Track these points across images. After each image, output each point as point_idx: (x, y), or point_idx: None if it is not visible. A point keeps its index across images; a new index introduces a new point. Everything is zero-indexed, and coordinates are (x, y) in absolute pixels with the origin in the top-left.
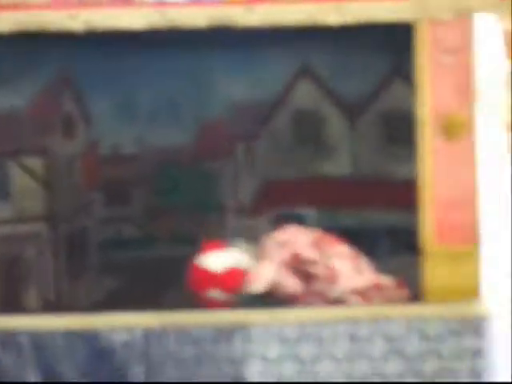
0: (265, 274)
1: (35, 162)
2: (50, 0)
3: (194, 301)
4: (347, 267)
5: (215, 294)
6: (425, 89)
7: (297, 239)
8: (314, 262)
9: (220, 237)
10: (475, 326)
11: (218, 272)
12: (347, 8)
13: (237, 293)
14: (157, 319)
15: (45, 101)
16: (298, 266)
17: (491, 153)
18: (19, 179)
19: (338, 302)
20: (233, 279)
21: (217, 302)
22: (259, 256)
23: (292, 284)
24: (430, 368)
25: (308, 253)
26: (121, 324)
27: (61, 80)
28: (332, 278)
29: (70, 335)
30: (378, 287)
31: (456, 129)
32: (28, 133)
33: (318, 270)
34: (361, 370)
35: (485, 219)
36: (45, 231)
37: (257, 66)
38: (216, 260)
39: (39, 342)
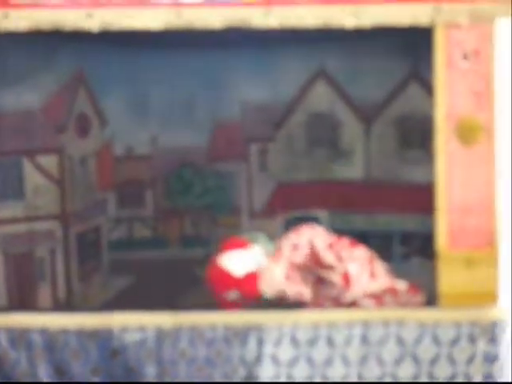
0: (274, 278)
1: (49, 161)
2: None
3: (208, 301)
4: (362, 271)
5: (233, 295)
6: (441, 92)
7: (314, 240)
8: (330, 267)
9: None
10: (490, 332)
11: (239, 275)
12: (364, 11)
13: (255, 297)
14: (170, 319)
15: (59, 99)
16: (313, 269)
17: (509, 156)
18: (33, 177)
19: (351, 305)
20: (252, 283)
21: (234, 304)
22: (274, 257)
23: (301, 291)
24: (442, 372)
25: (326, 256)
26: (133, 323)
27: (76, 79)
28: (346, 284)
29: (82, 334)
30: (392, 291)
31: (473, 133)
32: (42, 131)
33: (332, 275)
34: (373, 373)
35: (503, 224)
36: (58, 230)
37: (272, 68)
38: (237, 261)
39: (51, 340)
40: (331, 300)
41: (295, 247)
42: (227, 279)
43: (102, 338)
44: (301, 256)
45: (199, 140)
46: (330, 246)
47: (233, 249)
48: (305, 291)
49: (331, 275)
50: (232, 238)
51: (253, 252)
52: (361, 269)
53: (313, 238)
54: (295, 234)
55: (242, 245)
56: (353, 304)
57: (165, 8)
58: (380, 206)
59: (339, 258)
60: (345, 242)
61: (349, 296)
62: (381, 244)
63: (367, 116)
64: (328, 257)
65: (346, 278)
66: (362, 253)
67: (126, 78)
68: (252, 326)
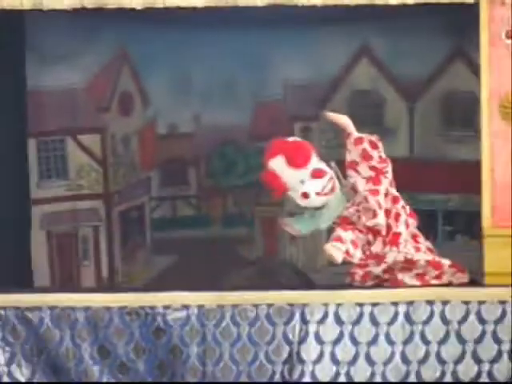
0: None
1: (92, 140)
2: None
3: (250, 280)
4: (409, 238)
5: (278, 163)
6: (486, 70)
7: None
8: (388, 212)
9: (275, 218)
10: None
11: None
12: None
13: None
14: (213, 298)
15: (103, 78)
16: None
17: None
18: (76, 157)
19: (391, 269)
20: (301, 152)
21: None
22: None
23: (351, 253)
24: (487, 352)
25: (387, 203)
26: (176, 302)
27: (119, 58)
28: (393, 242)
29: (126, 313)
30: (436, 266)
31: None
32: (85, 110)
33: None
34: (416, 353)
35: None
36: (101, 209)
37: (315, 47)
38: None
39: (95, 318)
40: (374, 258)
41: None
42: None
43: (146, 317)
44: (388, 181)
45: (242, 119)
46: (396, 199)
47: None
48: (355, 253)
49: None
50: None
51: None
52: (408, 233)
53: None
54: (381, 161)
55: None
56: (396, 282)
57: None
58: (424, 184)
59: (397, 216)
60: (407, 207)
61: (392, 256)
62: (425, 222)
63: (411, 94)
64: (388, 204)
65: (395, 237)
66: (413, 222)
67: (169, 56)
68: (296, 304)
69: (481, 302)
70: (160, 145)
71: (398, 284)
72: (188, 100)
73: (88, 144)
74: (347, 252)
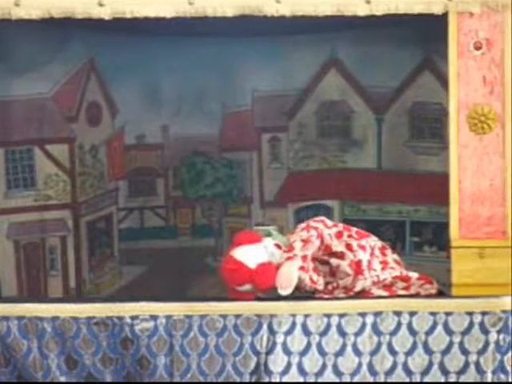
0: (290, 276)
1: (60, 150)
2: None
3: (219, 290)
4: (373, 260)
5: (247, 288)
6: (454, 82)
7: (324, 231)
8: (341, 255)
9: (244, 229)
10: (503, 322)
11: (252, 267)
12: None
13: (269, 289)
14: (181, 308)
15: (70, 88)
16: (324, 259)
17: None
18: (44, 167)
19: (361, 294)
20: (266, 276)
21: (246, 295)
22: (286, 251)
23: (314, 279)
24: (454, 363)
25: (336, 245)
26: (144, 313)
27: (87, 67)
28: (357, 271)
29: (93, 323)
30: (404, 279)
31: (485, 122)
32: (53, 120)
33: (343, 262)
34: (383, 364)
35: None
36: (69, 219)
37: (284, 57)
38: (250, 254)
39: (62, 328)
40: (342, 289)
41: (306, 242)
42: (242, 272)
43: (113, 327)
44: (312, 249)
45: (211, 129)
46: (339, 235)
47: (245, 243)
48: (319, 279)
49: (342, 263)
50: (244, 231)
51: (265, 245)
52: (372, 257)
53: (322, 230)
54: (305, 230)
55: (254, 239)
56: (363, 292)
57: None
58: (392, 195)
59: (349, 247)
60: (354, 231)
61: (360, 284)
62: (393, 234)
63: (379, 105)
64: (338, 246)
65: (358, 265)
66: (372, 241)
67: (137, 66)
68: (263, 315)
69: (448, 313)
70: (128, 155)
71: (365, 295)
72: (157, 110)
73: (56, 154)
74: (311, 279)
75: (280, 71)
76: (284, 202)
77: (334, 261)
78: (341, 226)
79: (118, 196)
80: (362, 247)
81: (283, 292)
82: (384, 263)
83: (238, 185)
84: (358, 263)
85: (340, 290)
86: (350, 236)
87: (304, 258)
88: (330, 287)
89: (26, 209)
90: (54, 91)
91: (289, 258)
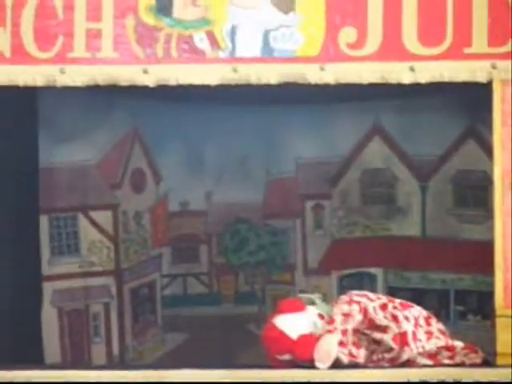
0: (329, 349)
1: (104, 217)
2: (123, 55)
3: (261, 358)
4: (418, 330)
5: (287, 357)
6: (498, 150)
7: (368, 305)
8: (384, 329)
9: (288, 296)
10: None
11: (294, 338)
12: (421, 67)
13: (309, 360)
14: (223, 375)
15: (115, 155)
16: (367, 332)
17: None
18: (88, 233)
19: (406, 364)
20: (306, 348)
21: (287, 364)
22: (327, 324)
23: (354, 353)
24: None
25: (380, 317)
26: (187, 380)
27: (131, 134)
28: (403, 343)
29: None
30: (449, 349)
31: None
32: (97, 187)
33: (387, 336)
34: None
35: None
36: (112, 285)
37: (327, 124)
38: (293, 324)
39: None
40: (388, 360)
41: (347, 315)
42: (282, 342)
43: None
44: (353, 323)
45: (254, 196)
46: (384, 307)
47: (288, 311)
48: (359, 352)
49: (387, 335)
50: (287, 299)
51: (308, 314)
52: (416, 328)
53: (366, 304)
54: (346, 304)
55: (297, 307)
56: (408, 362)
57: (220, 63)
58: (436, 263)
59: (395, 318)
60: (397, 302)
61: (405, 355)
62: (437, 302)
63: (423, 173)
64: (382, 319)
65: (403, 337)
66: (416, 311)
67: (181, 133)
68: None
69: (492, 383)
70: (172, 222)
71: (410, 363)
72: (200, 177)
73: (100, 220)
74: (350, 354)
75: (323, 138)
76: (327, 269)
77: (376, 334)
78: (384, 298)
79: (161, 263)
80: (407, 318)
81: (321, 366)
82: (429, 333)
83: (281, 252)
84: (404, 335)
85: (386, 361)
86: (394, 308)
87: (344, 332)
88: (374, 358)
89: (70, 275)
90: (99, 158)
91: (329, 332)
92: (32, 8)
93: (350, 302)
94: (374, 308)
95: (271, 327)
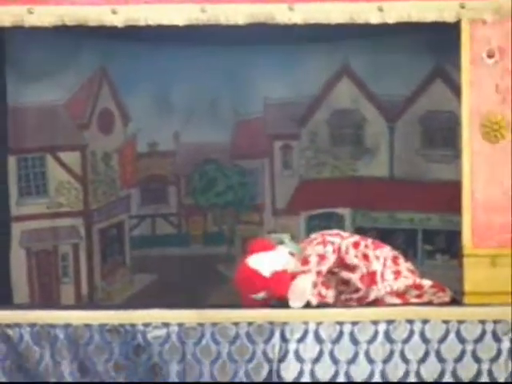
0: (303, 290)
1: (72, 158)
2: None
3: (231, 298)
4: (386, 270)
5: (262, 296)
6: (467, 89)
7: (341, 244)
8: (354, 267)
9: (257, 236)
10: None
11: (267, 275)
12: (389, 7)
13: (283, 297)
14: (193, 316)
15: (83, 96)
16: (337, 271)
17: None
18: (56, 174)
19: (375, 303)
20: (281, 284)
21: (261, 304)
22: (301, 265)
23: (324, 294)
24: (467, 371)
25: (351, 256)
26: (156, 320)
27: (99, 75)
28: (371, 282)
29: (106, 330)
30: (417, 287)
31: (498, 130)
32: (65, 128)
33: (355, 275)
34: (396, 372)
35: None
36: (81, 226)
37: (296, 65)
38: (265, 262)
39: (75, 336)
40: (355, 300)
41: (321, 257)
42: (257, 280)
43: (126, 335)
44: (327, 265)
45: (222, 137)
46: (356, 245)
47: (259, 250)
48: (328, 293)
49: (355, 275)
50: (258, 239)
51: (279, 252)
52: (384, 268)
53: (339, 244)
54: (321, 244)
55: (268, 246)
56: (376, 302)
57: (189, 3)
58: (404, 203)
59: (364, 257)
60: (369, 241)
61: (373, 294)
62: (405, 242)
63: (391, 113)
64: (352, 258)
65: (372, 276)
66: (386, 251)
67: (150, 74)
68: (276, 322)
69: (460, 322)
70: (140, 163)
71: (378, 303)
72: (168, 118)
73: (68, 161)
74: (319, 294)
75: (292, 79)
76: (296, 209)
77: (344, 274)
78: (357, 236)
79: (130, 203)
80: (377, 257)
81: (294, 305)
82: (397, 273)
83: (249, 192)
84: (372, 274)
85: (353, 301)
86: (366, 246)
87: (319, 273)
88: (343, 298)
89: (38, 216)
90: (67, 99)
91: (303, 273)
92: None
93: (325, 243)
94: (347, 246)
95: (244, 267)
